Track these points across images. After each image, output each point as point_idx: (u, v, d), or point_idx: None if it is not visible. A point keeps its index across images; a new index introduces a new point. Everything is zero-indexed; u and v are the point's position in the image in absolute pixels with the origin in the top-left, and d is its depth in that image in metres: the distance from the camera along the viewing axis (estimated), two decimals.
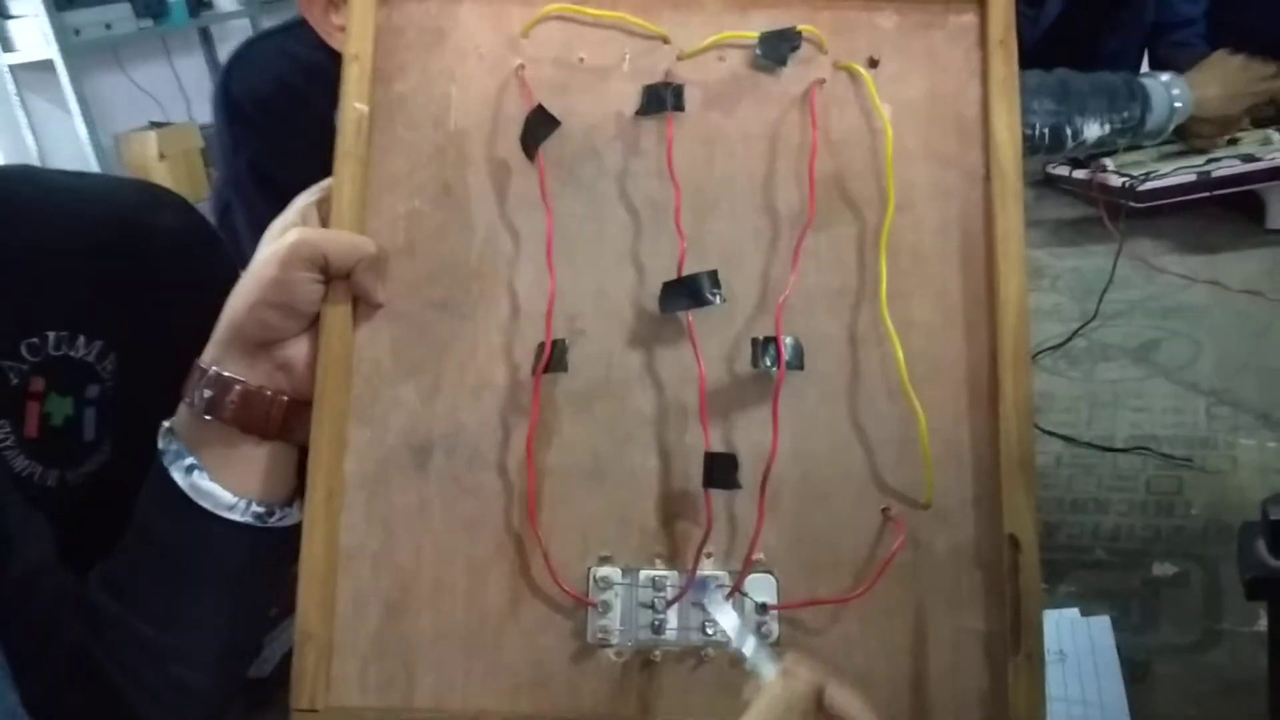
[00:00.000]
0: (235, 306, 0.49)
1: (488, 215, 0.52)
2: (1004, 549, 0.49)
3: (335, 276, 0.49)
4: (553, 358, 0.50)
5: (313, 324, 0.50)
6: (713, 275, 0.50)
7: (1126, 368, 0.95)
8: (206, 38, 3.55)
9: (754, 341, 0.50)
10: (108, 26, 3.11)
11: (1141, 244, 1.16)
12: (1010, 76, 0.53)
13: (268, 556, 0.51)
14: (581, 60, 0.53)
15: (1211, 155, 1.21)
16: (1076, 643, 0.56)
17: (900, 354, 0.49)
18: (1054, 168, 1.37)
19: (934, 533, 0.50)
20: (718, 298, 0.50)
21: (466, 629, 0.49)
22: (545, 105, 0.52)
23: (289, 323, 0.49)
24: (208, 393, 0.50)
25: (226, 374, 0.50)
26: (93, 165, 3.08)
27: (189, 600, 0.50)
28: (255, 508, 0.50)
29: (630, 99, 0.53)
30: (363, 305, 0.51)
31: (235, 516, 0.50)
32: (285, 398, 0.50)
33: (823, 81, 0.53)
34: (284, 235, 0.49)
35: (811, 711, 0.41)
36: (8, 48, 3.11)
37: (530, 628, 0.49)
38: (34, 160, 3.21)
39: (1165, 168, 1.20)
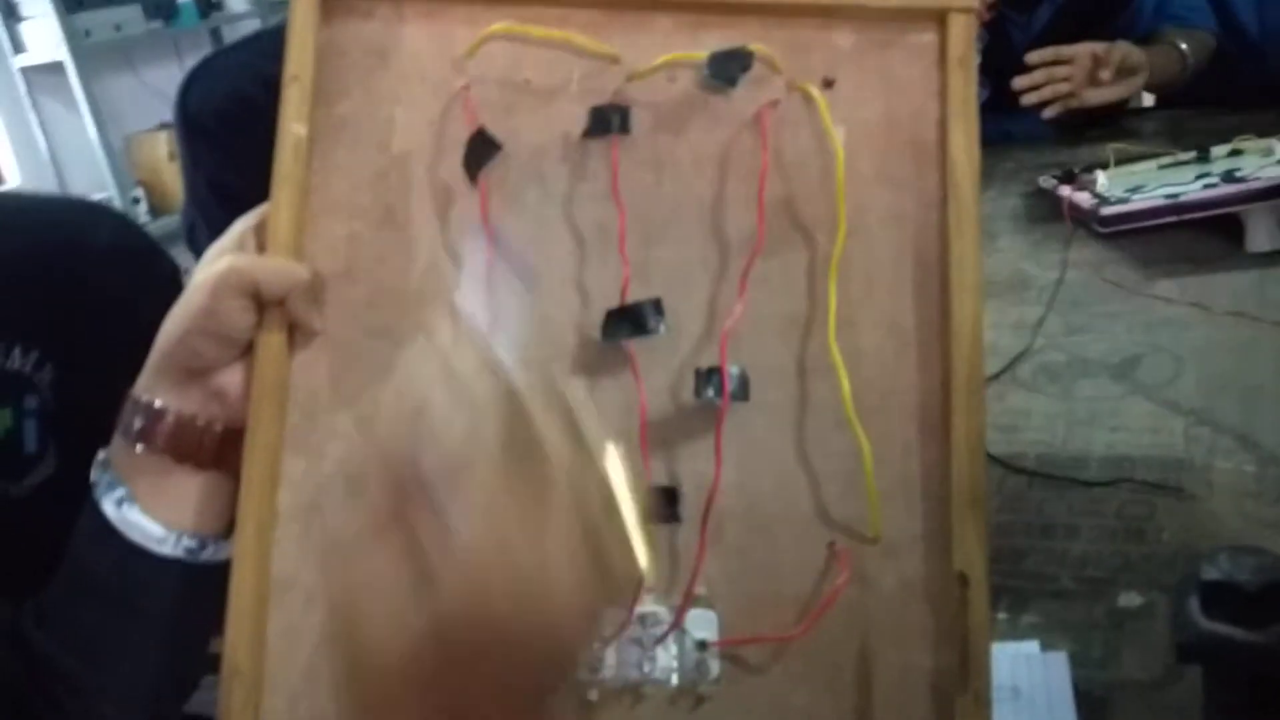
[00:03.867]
0: (167, 335, 0.48)
1: (430, 240, 0.51)
2: (952, 586, 0.48)
3: (268, 303, 0.48)
4: None
5: (247, 351, 0.49)
6: (656, 303, 0.49)
7: (1106, 385, 0.93)
8: (217, 39, 3.55)
9: (697, 372, 0.49)
10: (118, 28, 3.12)
11: (1125, 261, 1.14)
12: (969, 97, 0.52)
13: (200, 591, 0.49)
14: (528, 81, 0.52)
15: (1202, 171, 1.19)
16: (1032, 679, 0.55)
17: (846, 385, 0.48)
18: (1045, 180, 1.36)
19: (881, 567, 0.49)
20: (661, 327, 0.49)
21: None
22: (490, 127, 0.51)
23: (221, 351, 0.48)
24: (140, 422, 0.49)
25: (158, 403, 0.49)
26: (103, 166, 3.10)
27: (119, 635, 0.49)
28: (187, 541, 0.49)
29: (578, 120, 0.51)
30: (299, 332, 0.50)
31: (166, 550, 0.49)
32: (219, 427, 0.49)
33: (776, 103, 0.52)
34: (216, 261, 0.48)
35: None
36: (18, 49, 3.13)
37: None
38: (45, 162, 3.22)
39: (1151, 183, 1.18)
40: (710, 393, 0.48)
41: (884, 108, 0.52)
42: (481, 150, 0.50)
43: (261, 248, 0.50)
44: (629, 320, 0.49)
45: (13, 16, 3.08)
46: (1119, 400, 0.90)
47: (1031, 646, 0.58)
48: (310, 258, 0.50)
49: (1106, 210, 1.13)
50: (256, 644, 0.47)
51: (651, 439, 0.49)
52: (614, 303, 0.49)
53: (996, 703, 0.47)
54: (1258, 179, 1.09)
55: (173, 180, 3.20)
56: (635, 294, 0.49)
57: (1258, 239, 1.08)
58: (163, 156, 3.24)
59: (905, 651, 0.48)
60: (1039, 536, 0.72)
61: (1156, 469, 0.78)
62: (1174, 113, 1.57)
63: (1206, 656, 0.35)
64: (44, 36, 3.04)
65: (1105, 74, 1.34)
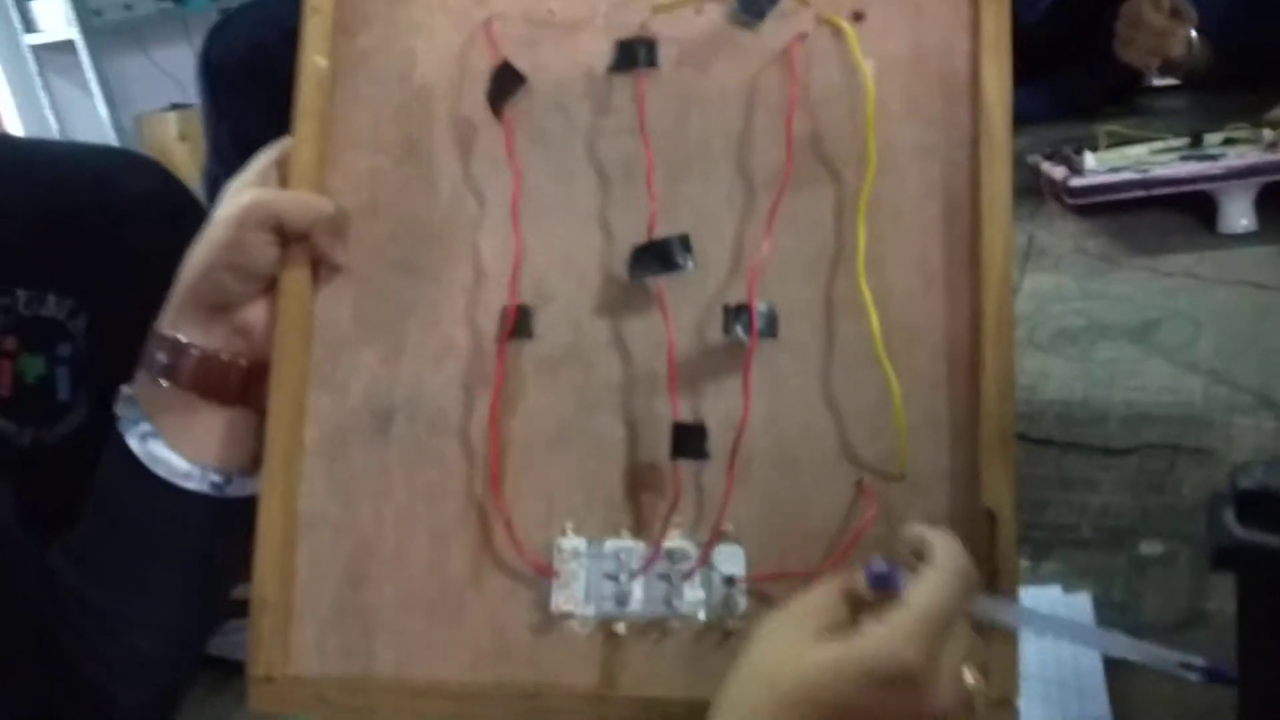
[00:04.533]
0: (190, 270, 0.48)
1: (453, 174, 0.50)
2: (981, 524, 0.47)
3: (292, 238, 0.48)
4: (518, 323, 0.48)
5: (271, 286, 0.49)
6: (684, 239, 0.48)
7: (1124, 347, 0.93)
8: None
9: (725, 309, 0.48)
10: (128, 7, 3.11)
11: (1144, 229, 1.13)
12: (1002, 32, 0.51)
13: (226, 525, 0.49)
14: (552, 13, 0.51)
15: (1191, 156, 1.17)
16: None
17: (875, 322, 0.48)
18: (1031, 157, 1.34)
19: (909, 504, 0.48)
20: (688, 263, 0.48)
21: (427, 598, 0.48)
22: (513, 60, 0.50)
23: (245, 286, 0.48)
24: (164, 358, 0.48)
25: (183, 339, 0.48)
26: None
27: (145, 570, 0.49)
28: (212, 476, 0.49)
29: (602, 54, 0.51)
30: (323, 267, 0.49)
31: (191, 485, 0.49)
32: (244, 362, 0.49)
33: (804, 36, 0.51)
34: (239, 195, 0.47)
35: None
36: (30, 28, 3.13)
37: (492, 598, 0.48)
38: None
39: (1135, 165, 1.16)
40: (738, 330, 0.48)
41: (914, 41, 0.51)
42: (506, 83, 0.50)
43: (284, 182, 0.49)
44: (656, 257, 0.48)
45: None
46: (1138, 362, 0.90)
47: (1054, 590, 0.58)
48: (333, 192, 0.49)
49: (1076, 182, 1.13)
50: (285, 577, 0.47)
51: (679, 376, 0.48)
52: (641, 239, 0.49)
53: (1021, 643, 0.47)
54: (1231, 158, 1.08)
55: (183, 160, 3.19)
56: (662, 230, 0.49)
57: (1229, 219, 1.06)
58: (173, 137, 3.24)
59: None
60: (1059, 489, 0.72)
61: (1176, 426, 0.78)
62: (1195, 92, 1.55)
63: (1241, 563, 0.35)
64: (55, 15, 3.04)
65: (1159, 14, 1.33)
